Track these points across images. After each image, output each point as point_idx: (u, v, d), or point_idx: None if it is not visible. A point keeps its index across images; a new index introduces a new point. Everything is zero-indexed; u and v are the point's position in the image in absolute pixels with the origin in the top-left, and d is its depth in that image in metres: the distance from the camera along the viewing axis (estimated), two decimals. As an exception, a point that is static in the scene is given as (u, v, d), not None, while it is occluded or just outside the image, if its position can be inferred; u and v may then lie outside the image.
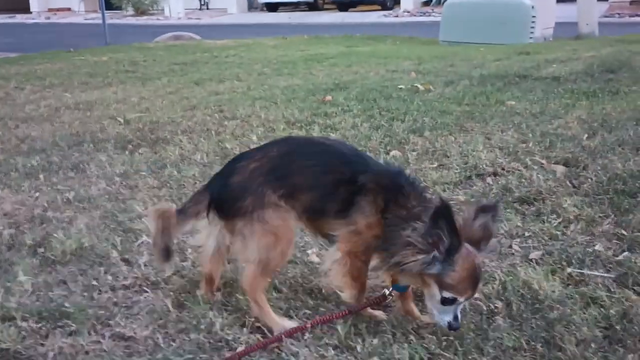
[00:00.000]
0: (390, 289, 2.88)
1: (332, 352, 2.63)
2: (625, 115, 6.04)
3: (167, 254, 2.91)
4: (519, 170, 4.72)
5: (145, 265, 3.45)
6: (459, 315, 2.64)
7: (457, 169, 4.86)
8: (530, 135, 5.64)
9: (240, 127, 6.59)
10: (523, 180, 4.49)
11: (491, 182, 4.54)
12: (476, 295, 2.70)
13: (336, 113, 7.04)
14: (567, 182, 4.39)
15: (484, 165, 4.87)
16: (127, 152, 5.83)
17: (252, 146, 5.73)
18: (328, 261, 2.88)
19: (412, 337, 2.69)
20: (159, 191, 4.69)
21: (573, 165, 4.75)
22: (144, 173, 5.13)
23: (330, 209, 2.78)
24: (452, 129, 6.09)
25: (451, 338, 2.65)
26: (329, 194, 2.78)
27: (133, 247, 3.70)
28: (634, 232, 3.57)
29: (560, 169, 4.68)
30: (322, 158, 2.87)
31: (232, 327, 2.82)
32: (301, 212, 2.83)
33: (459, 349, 2.58)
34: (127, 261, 3.53)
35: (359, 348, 2.63)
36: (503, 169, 4.78)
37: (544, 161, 4.87)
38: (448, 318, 2.62)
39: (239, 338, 2.75)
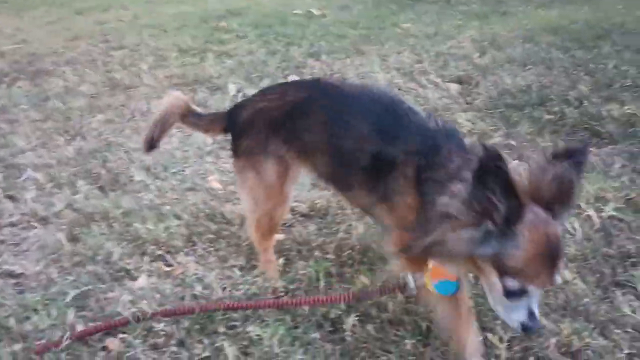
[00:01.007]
0: (414, 280, 2.15)
1: (238, 273, 2.59)
2: (513, 34, 6.24)
3: (151, 144, 2.60)
4: (415, 89, 4.78)
5: (32, 201, 3.22)
6: (536, 311, 1.85)
7: (355, 91, 4.85)
8: (425, 55, 5.70)
9: (129, 57, 6.22)
10: (419, 98, 4.56)
11: (389, 102, 4.57)
12: (558, 280, 1.79)
13: (231, 39, 6.80)
14: (461, 99, 4.51)
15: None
16: (4, 86, 5.37)
17: (143, 76, 5.45)
18: (387, 252, 2.29)
19: (316, 253, 2.71)
20: (43, 124, 4.37)
21: (466, 83, 4.87)
22: (24, 106, 4.75)
23: (356, 183, 2.25)
24: (349, 52, 6.05)
25: (351, 253, 2.69)
26: (349, 163, 2.24)
27: (17, 182, 3.44)
28: (522, 143, 3.74)
29: (454, 86, 4.78)
30: (345, 114, 2.26)
31: (132, 257, 2.71)
32: (321, 177, 2.45)
33: (361, 266, 2.62)
34: (11, 197, 3.28)
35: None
36: (400, 88, 4.82)
37: (438, 80, 4.95)
38: (520, 317, 1.84)
39: (140, 267, 2.65)
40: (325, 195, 3.16)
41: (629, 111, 3.92)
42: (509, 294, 1.80)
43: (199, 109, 2.67)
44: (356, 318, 2.25)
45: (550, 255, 1.74)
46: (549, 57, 5.29)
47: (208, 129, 2.65)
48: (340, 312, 2.28)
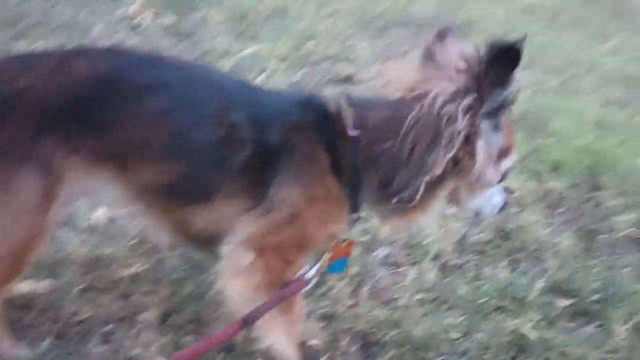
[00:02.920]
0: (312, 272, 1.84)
1: None
2: None
3: None
4: None
5: None
6: None
7: None
8: None
9: None
10: None
11: None
12: None
13: None
14: None
15: None
16: None
17: None
18: (231, 270, 1.78)
19: None
20: None
21: None
22: None
23: (217, 188, 1.70)
24: None
25: None
26: (208, 162, 1.70)
27: None
28: None
29: None
30: (188, 95, 1.70)
31: None
32: (145, 190, 1.72)
33: None
34: None
35: None
36: None
37: None
38: (501, 198, 1.94)
39: None
40: None
41: (35, 47, 3.85)
42: (504, 176, 1.84)
43: None
44: None
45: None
46: None
47: None
48: None
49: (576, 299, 2.50)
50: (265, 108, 1.74)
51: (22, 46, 3.83)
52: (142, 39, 4.26)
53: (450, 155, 1.64)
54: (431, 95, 1.63)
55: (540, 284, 2.51)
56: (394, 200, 1.70)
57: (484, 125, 1.67)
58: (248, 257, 1.74)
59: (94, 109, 1.63)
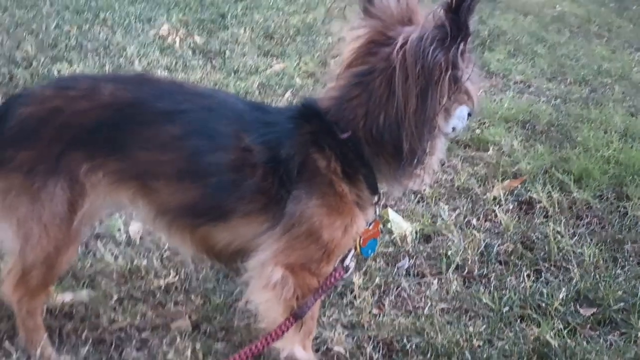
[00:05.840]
0: (349, 260, 1.92)
1: None
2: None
3: None
4: None
5: None
6: None
7: None
8: None
9: None
10: None
11: None
12: None
13: None
14: None
15: None
16: None
17: None
18: (261, 286, 1.83)
19: None
20: None
21: None
22: None
23: (233, 209, 1.78)
24: None
25: None
26: (223, 185, 1.76)
27: None
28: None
29: None
30: (203, 121, 1.78)
31: None
32: (163, 210, 1.82)
33: None
34: None
35: None
36: None
37: None
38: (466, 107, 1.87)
39: None
40: None
41: (78, 70, 4.03)
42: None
43: None
44: None
45: None
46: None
47: None
48: None
49: (600, 308, 2.51)
50: (273, 128, 1.79)
51: (60, 67, 4.01)
52: (174, 58, 4.42)
53: (445, 100, 1.66)
54: (401, 48, 1.63)
55: (563, 292, 2.53)
56: (413, 164, 1.71)
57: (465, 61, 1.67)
58: (277, 274, 1.80)
59: (114, 132, 1.75)
